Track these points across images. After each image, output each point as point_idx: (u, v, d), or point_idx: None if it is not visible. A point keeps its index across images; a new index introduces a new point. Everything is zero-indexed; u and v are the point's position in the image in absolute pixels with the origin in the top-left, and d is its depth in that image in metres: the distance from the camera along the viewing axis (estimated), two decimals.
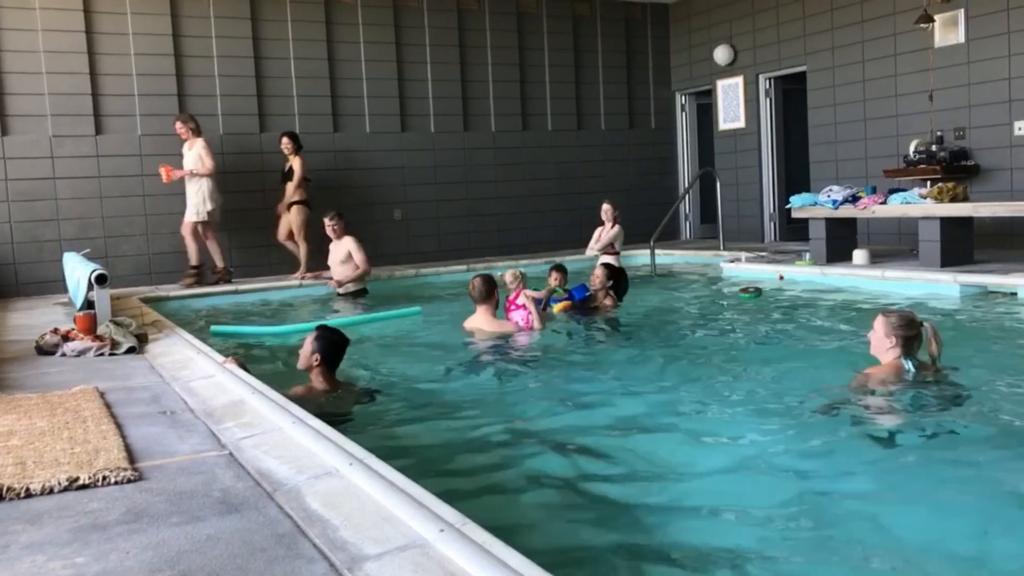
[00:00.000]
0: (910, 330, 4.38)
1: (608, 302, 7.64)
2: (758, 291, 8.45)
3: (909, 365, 4.37)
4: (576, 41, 13.50)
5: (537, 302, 6.98)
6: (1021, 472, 3.51)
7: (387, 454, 3.15)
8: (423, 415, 4.70)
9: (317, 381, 4.84)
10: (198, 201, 10.00)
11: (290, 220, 10.45)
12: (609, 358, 6.15)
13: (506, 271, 7.21)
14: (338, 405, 4.74)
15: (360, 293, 9.67)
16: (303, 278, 10.26)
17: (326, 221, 9.72)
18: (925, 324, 4.46)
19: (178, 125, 10.15)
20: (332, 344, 4.88)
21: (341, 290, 9.61)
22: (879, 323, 4.45)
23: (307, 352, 4.82)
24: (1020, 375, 4.97)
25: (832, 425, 4.11)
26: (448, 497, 2.66)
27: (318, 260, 10.34)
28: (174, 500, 2.83)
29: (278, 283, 10.21)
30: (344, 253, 9.61)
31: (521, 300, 6.89)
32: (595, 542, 2.99)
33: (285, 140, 10.53)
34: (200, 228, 10.12)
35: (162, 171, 10.00)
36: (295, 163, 10.41)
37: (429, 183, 12.41)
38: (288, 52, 11.42)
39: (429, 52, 12.33)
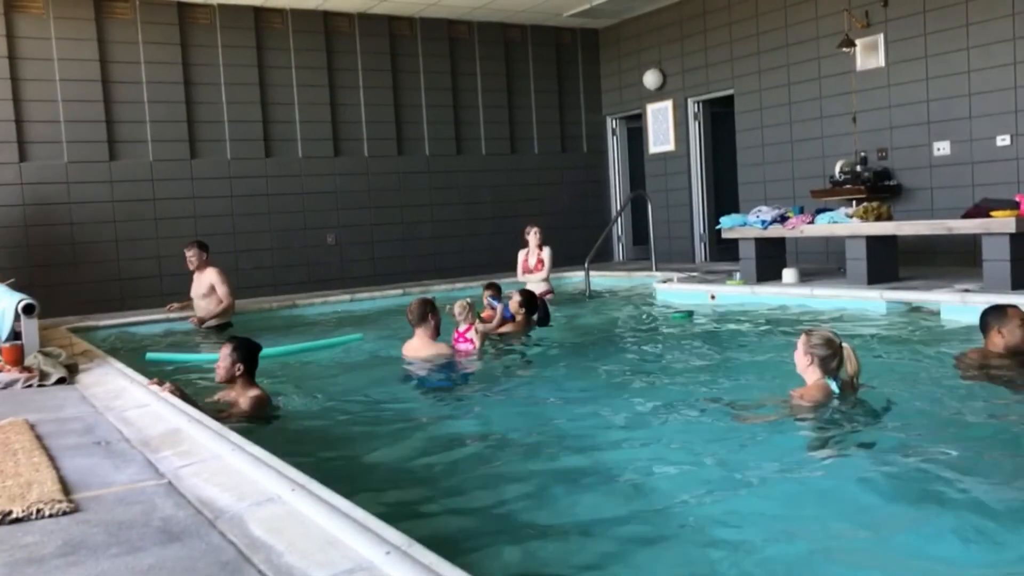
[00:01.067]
0: (825, 350, 4.45)
1: (521, 323, 7.64)
2: (690, 313, 8.58)
3: (834, 385, 4.46)
4: (508, 66, 13.61)
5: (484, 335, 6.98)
6: (926, 484, 3.59)
7: (329, 479, 3.13)
8: (363, 440, 4.69)
9: (245, 389, 5.03)
10: None
11: None
12: (546, 379, 6.18)
13: (454, 303, 6.99)
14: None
15: (224, 327, 8.87)
16: (170, 309, 9.52)
17: (185, 251, 9.10)
18: (844, 345, 4.55)
19: None
20: (250, 351, 5.12)
21: (203, 325, 8.92)
22: (800, 342, 4.55)
23: (228, 364, 5.01)
24: (941, 389, 5.10)
25: (758, 445, 4.18)
26: (393, 520, 2.65)
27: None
28: (113, 531, 2.77)
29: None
30: (206, 286, 8.93)
31: (471, 335, 6.87)
32: (539, 560, 3.00)
33: None
34: None
35: None
36: None
37: (363, 207, 12.37)
38: (219, 78, 11.33)
39: (362, 77, 12.32)
